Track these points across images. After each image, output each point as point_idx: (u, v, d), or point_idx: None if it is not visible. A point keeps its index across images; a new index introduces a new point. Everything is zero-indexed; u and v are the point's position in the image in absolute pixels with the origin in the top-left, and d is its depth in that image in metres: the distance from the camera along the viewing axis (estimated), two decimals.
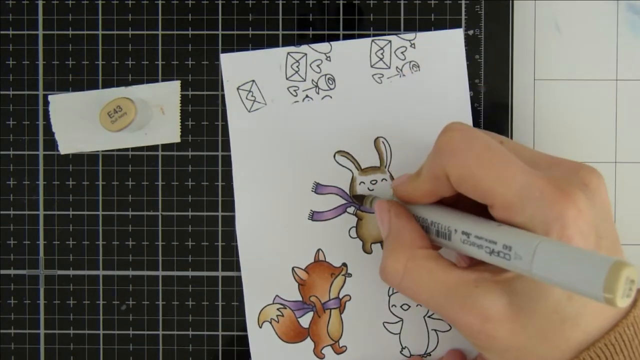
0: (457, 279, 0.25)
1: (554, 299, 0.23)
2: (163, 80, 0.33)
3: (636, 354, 0.23)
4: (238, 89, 0.33)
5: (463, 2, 0.33)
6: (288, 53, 0.33)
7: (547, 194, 0.22)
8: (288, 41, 0.33)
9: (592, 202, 0.23)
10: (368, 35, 0.33)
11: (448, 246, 0.26)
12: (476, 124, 0.33)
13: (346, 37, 0.33)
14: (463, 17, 0.33)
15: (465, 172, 0.24)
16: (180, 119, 0.33)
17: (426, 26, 0.33)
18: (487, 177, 0.24)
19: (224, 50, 0.33)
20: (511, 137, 0.33)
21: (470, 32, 0.33)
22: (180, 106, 0.33)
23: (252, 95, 0.33)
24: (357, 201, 0.33)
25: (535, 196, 0.23)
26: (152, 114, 0.33)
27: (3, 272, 0.34)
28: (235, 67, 0.33)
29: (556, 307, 0.23)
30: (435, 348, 0.33)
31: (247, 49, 0.33)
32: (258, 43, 0.33)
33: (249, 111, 0.33)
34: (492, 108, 0.33)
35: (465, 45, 0.33)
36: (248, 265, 0.33)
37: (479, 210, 0.26)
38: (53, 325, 0.34)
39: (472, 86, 0.33)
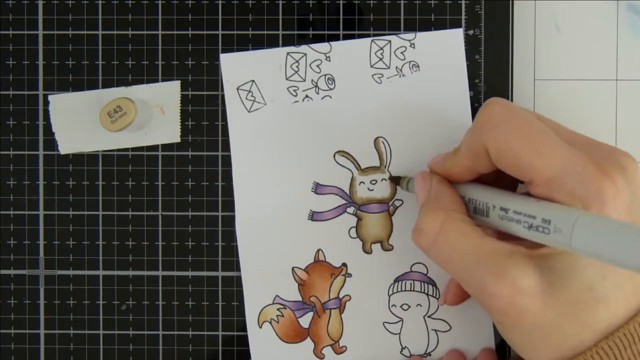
0: (492, 246, 0.24)
1: (587, 277, 0.23)
2: (163, 80, 0.33)
3: None
4: (238, 89, 0.33)
5: (463, 2, 0.33)
6: (288, 53, 0.33)
7: (589, 170, 0.23)
8: (288, 41, 0.33)
9: (629, 184, 0.23)
10: (368, 35, 0.33)
11: (486, 223, 0.26)
12: None
13: (346, 37, 0.33)
14: (463, 17, 0.33)
15: (505, 146, 0.24)
16: (180, 119, 0.33)
17: (426, 26, 0.33)
18: (527, 151, 0.24)
19: (224, 50, 0.33)
20: None
21: (470, 32, 0.33)
22: (180, 106, 0.33)
23: (252, 95, 0.33)
24: (393, 182, 0.33)
25: (577, 171, 0.23)
26: (152, 114, 0.33)
27: (3, 272, 0.34)
28: (235, 67, 0.33)
29: (590, 286, 0.23)
30: (435, 348, 0.33)
31: (247, 49, 0.33)
32: (258, 43, 0.33)
33: (249, 111, 0.33)
34: None
35: (465, 45, 0.33)
36: (248, 265, 0.33)
37: (515, 190, 0.25)
38: (53, 325, 0.34)
39: (472, 86, 0.33)
